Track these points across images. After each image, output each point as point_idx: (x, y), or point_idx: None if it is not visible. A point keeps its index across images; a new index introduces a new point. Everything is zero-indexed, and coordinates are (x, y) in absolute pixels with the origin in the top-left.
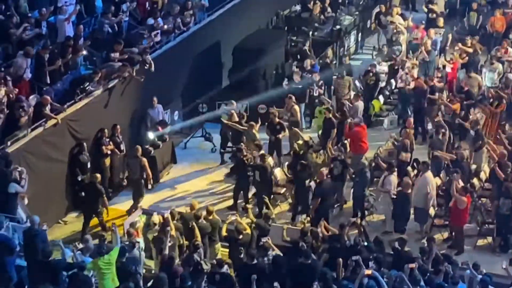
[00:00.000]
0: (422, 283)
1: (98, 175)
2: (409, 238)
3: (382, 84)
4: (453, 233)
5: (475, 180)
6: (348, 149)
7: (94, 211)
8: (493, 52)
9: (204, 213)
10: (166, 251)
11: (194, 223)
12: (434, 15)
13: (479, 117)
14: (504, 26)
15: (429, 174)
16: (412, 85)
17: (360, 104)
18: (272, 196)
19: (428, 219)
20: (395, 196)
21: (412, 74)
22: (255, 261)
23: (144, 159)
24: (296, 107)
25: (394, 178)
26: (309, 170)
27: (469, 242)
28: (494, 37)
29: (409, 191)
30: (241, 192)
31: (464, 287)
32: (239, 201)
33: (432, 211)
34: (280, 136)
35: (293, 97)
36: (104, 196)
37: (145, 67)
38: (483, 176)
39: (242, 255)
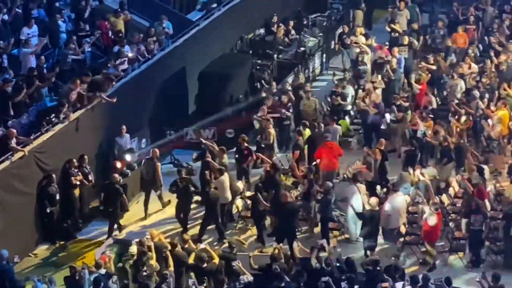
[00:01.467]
0: None
1: (117, 175)
2: (382, 256)
3: (349, 105)
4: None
5: (444, 197)
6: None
7: (114, 212)
8: (456, 68)
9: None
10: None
11: (168, 252)
12: (397, 34)
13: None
14: (466, 42)
15: (396, 195)
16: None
17: (336, 127)
18: (243, 220)
19: (395, 238)
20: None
21: (375, 94)
22: (225, 287)
23: (159, 164)
24: (271, 130)
25: (356, 188)
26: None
27: (441, 258)
28: (457, 53)
29: (377, 208)
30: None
31: None
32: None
33: (403, 229)
34: (245, 164)
35: (271, 120)
36: (123, 195)
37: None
38: (451, 192)
39: (205, 284)
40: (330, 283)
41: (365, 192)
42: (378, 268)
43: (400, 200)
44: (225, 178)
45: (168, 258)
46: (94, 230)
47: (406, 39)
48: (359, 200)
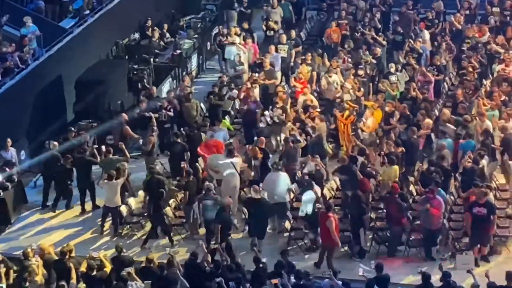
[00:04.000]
0: None
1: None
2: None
3: (228, 106)
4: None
5: (325, 190)
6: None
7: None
8: (333, 63)
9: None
10: None
11: (71, 264)
12: (272, 32)
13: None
14: (339, 36)
15: (280, 173)
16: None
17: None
18: (129, 226)
19: (283, 214)
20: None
21: (252, 93)
22: None
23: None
24: (152, 137)
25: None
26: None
27: None
28: (332, 48)
29: (258, 197)
30: None
31: None
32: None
33: (288, 225)
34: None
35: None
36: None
37: None
38: (333, 185)
39: None
40: (222, 284)
41: (241, 164)
42: (261, 265)
43: (284, 176)
44: (118, 182)
45: (71, 270)
46: None
47: (284, 38)
48: (235, 175)
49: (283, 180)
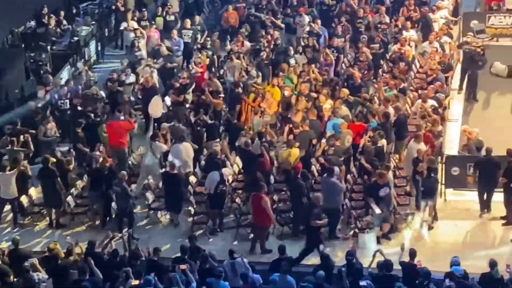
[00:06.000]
0: (194, 284)
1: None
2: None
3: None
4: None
5: (227, 170)
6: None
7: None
8: (233, 47)
9: None
10: None
11: None
12: (173, 17)
13: None
14: (237, 20)
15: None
16: None
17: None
18: (30, 216)
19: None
20: None
21: (148, 78)
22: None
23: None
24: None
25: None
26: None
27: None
28: (230, 32)
29: (174, 172)
30: None
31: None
32: None
33: (191, 209)
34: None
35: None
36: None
37: None
38: (236, 168)
39: None
40: (129, 274)
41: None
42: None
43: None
44: (11, 173)
45: None
46: None
47: (188, 23)
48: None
49: (186, 151)
